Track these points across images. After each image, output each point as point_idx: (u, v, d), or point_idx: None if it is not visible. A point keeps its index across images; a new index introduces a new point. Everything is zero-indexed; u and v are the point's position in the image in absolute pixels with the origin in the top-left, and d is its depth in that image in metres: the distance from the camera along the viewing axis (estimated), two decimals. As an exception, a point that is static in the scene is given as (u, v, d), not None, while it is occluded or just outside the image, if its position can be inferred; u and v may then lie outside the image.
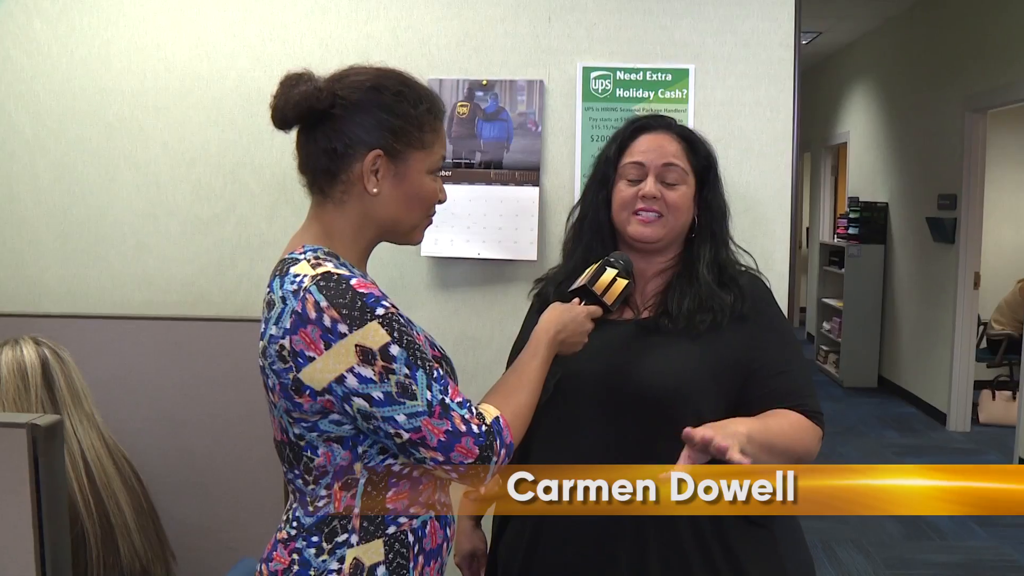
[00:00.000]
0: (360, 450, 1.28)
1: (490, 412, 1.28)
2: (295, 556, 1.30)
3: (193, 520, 2.28)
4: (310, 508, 1.31)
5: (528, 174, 2.33)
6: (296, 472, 1.32)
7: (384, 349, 1.21)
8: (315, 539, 1.30)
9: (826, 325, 8.55)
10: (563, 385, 1.59)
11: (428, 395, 1.23)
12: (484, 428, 1.25)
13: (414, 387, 1.22)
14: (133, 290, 2.50)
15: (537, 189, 2.33)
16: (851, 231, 7.78)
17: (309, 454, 1.29)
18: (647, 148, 1.66)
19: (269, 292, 1.29)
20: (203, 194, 2.46)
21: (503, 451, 1.26)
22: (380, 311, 1.23)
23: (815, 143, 10.14)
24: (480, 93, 2.34)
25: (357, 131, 1.29)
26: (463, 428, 1.23)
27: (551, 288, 1.75)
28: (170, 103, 2.44)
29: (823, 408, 1.63)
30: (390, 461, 1.30)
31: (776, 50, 2.25)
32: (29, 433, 1.19)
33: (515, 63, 2.34)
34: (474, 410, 1.27)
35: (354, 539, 1.29)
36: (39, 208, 2.51)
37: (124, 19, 2.44)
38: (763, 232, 2.29)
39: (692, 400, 1.55)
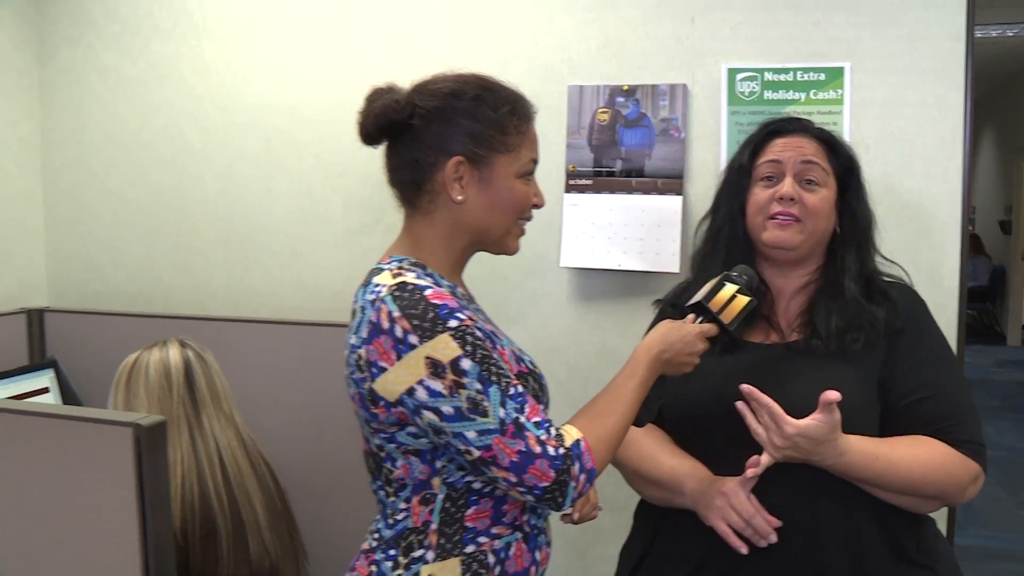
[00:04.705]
0: (438, 464, 1.25)
1: (571, 434, 1.22)
2: (373, 568, 1.29)
3: (335, 521, 2.33)
4: (390, 521, 1.30)
5: (671, 182, 2.23)
6: (378, 483, 1.32)
7: (455, 362, 1.18)
8: (392, 552, 1.28)
9: (1040, 346, 7.77)
10: (676, 415, 1.49)
11: (501, 412, 1.18)
12: (562, 451, 1.19)
13: (486, 403, 1.17)
14: (287, 296, 2.61)
15: (680, 198, 2.22)
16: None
17: (388, 465, 1.28)
18: (784, 147, 1.54)
19: (354, 302, 1.29)
20: (352, 204, 2.53)
21: (582, 476, 1.20)
22: (453, 323, 1.19)
23: (1032, 146, 9.30)
24: (621, 99, 2.27)
25: (437, 139, 1.27)
26: (537, 450, 1.18)
27: (670, 305, 1.66)
28: (322, 116, 2.53)
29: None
30: (470, 478, 1.26)
31: (944, 42, 2.03)
32: (134, 432, 1.24)
33: (657, 66, 2.24)
34: (553, 431, 1.21)
35: (430, 555, 1.26)
36: (206, 217, 2.67)
37: (282, 37, 2.55)
38: (929, 244, 2.08)
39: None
